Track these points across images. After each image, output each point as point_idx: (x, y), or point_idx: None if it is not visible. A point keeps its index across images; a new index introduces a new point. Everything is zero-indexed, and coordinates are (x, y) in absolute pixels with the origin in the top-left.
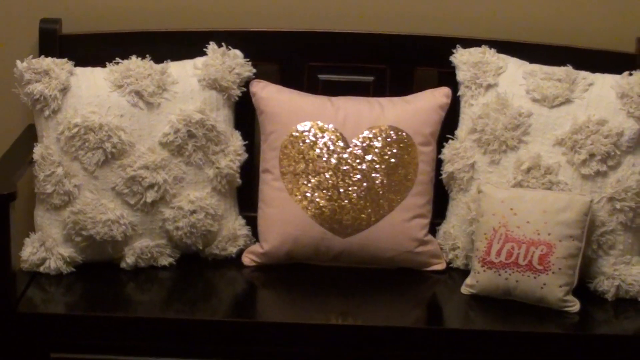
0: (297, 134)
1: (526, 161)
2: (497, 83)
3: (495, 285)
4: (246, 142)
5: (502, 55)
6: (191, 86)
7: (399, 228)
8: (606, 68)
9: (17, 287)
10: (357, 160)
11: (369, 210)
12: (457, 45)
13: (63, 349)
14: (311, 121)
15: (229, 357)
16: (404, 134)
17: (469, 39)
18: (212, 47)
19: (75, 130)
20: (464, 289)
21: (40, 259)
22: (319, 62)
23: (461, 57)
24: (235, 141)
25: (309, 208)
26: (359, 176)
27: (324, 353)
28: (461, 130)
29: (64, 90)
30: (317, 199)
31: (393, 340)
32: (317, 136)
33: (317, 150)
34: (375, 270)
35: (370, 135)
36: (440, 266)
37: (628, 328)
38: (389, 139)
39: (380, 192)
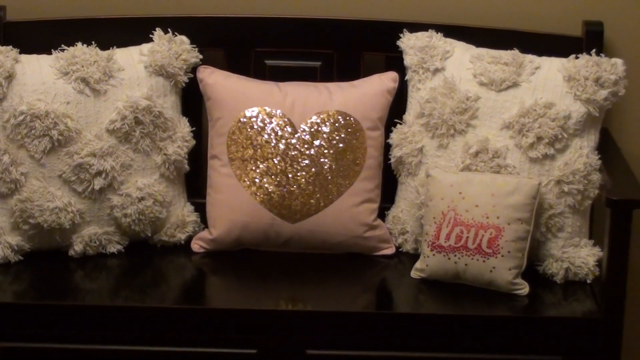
0: (245, 119)
1: (474, 145)
2: (444, 67)
3: (444, 269)
4: (194, 128)
5: (449, 40)
6: (138, 73)
7: (347, 213)
8: (553, 51)
9: None
10: (306, 146)
11: (318, 195)
12: (404, 30)
13: (11, 339)
14: (259, 107)
15: (178, 344)
16: (352, 118)
17: (415, 23)
18: (158, 33)
19: (21, 118)
20: (414, 273)
21: None
22: (266, 48)
23: (408, 42)
24: (183, 127)
25: (258, 194)
26: (307, 161)
27: (273, 339)
28: (409, 115)
29: (9, 77)
30: (266, 185)
31: (343, 325)
32: (265, 122)
33: (265, 136)
34: (324, 255)
35: (318, 121)
36: (389, 251)
37: (577, 310)
38: (337, 124)
39: (329, 177)
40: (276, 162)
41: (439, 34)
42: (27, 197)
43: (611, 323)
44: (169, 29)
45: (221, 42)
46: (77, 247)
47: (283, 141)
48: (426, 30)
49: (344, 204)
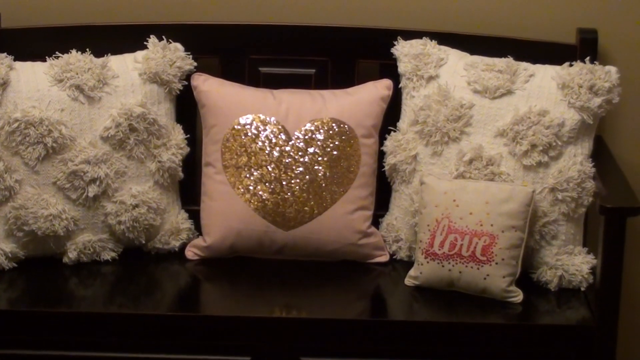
0: (239, 127)
1: (468, 152)
2: (438, 75)
3: (438, 276)
4: (188, 135)
5: (443, 47)
6: (132, 80)
7: (342, 220)
8: (547, 59)
9: None
10: (300, 153)
11: (312, 202)
12: (398, 37)
13: (6, 345)
14: (253, 114)
15: (172, 351)
16: (346, 126)
17: (410, 30)
18: (152, 40)
19: (16, 125)
20: (408, 281)
21: None
22: (260, 55)
23: (402, 49)
24: (177, 135)
25: (252, 201)
26: (301, 169)
27: (267, 346)
28: (403, 122)
29: (4, 85)
30: (260, 192)
31: (337, 333)
32: (259, 129)
33: (259, 143)
34: (318, 262)
35: (313, 128)
36: (383, 258)
37: (571, 318)
38: (331, 132)
39: (323, 185)
40: (270, 169)
41: (433, 41)
42: (22, 204)
43: (605, 331)
44: (163, 36)
45: (216, 50)
46: (71, 254)
47: (277, 148)
48: (420, 37)
49: (338, 211)
